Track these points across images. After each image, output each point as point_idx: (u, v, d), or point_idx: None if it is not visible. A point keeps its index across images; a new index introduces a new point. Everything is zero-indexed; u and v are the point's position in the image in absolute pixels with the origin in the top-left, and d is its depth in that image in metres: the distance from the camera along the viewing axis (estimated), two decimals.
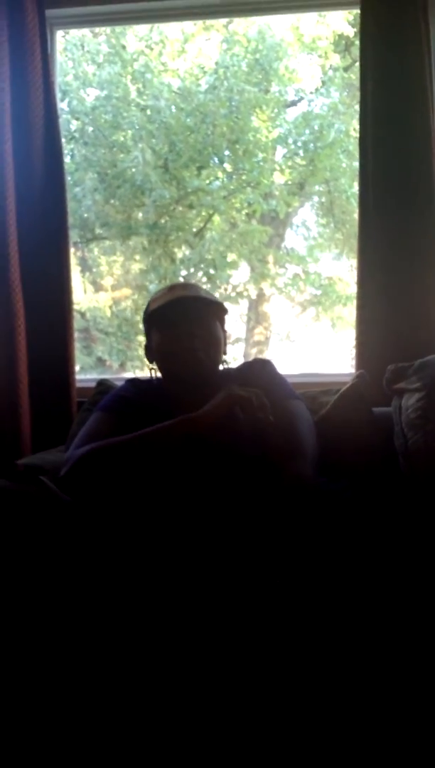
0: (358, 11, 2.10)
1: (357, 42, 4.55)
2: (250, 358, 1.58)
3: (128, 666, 1.05)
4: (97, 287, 5.43)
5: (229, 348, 1.54)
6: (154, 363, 1.53)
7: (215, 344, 1.47)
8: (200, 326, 1.44)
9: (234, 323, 5.05)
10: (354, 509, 1.28)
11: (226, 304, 1.54)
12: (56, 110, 2.17)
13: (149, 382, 1.57)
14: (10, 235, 2.09)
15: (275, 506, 1.25)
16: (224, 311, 1.51)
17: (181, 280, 4.93)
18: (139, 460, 1.28)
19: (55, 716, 1.06)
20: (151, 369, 1.55)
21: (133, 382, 1.56)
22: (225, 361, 1.53)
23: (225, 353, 1.51)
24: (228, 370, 1.54)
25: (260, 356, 1.57)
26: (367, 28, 2.06)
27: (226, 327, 1.55)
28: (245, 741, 1.00)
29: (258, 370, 1.54)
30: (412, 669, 1.03)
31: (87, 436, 1.38)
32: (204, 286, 1.73)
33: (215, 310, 1.48)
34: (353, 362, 2.15)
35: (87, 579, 1.12)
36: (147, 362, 1.57)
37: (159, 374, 1.54)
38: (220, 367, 1.52)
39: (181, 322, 1.43)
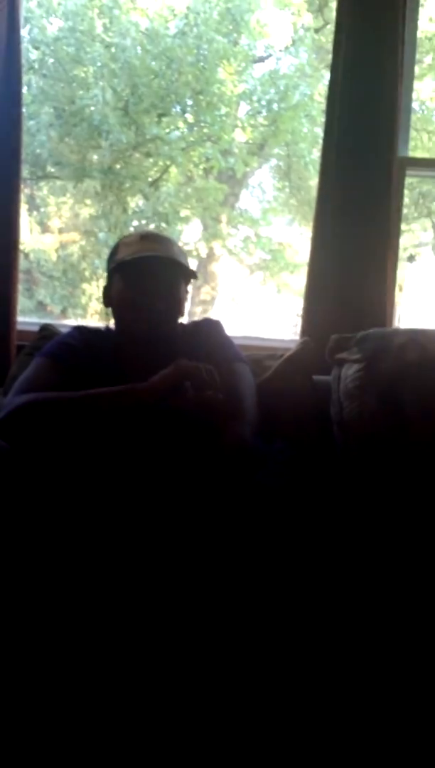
0: None
1: (331, 4, 4.51)
2: (196, 317, 1.57)
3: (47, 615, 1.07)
4: (44, 228, 5.26)
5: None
6: (110, 308, 1.51)
7: (176, 305, 1.46)
8: (165, 286, 1.42)
9: None
10: (287, 471, 1.31)
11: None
12: (19, 38, 2.05)
13: (96, 331, 1.55)
14: None
15: (213, 466, 1.27)
16: (192, 276, 1.49)
17: (132, 229, 4.83)
18: (79, 421, 1.26)
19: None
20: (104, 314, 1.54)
21: (80, 330, 1.53)
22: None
23: (182, 314, 1.51)
24: (178, 327, 1.53)
25: (205, 315, 1.56)
26: None
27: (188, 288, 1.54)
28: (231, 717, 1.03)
29: (206, 329, 1.55)
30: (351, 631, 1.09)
31: (28, 382, 1.35)
32: None
33: (183, 272, 1.47)
34: (297, 329, 2.17)
35: (22, 525, 1.12)
36: (102, 305, 1.55)
37: (110, 322, 1.53)
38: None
39: (148, 278, 1.41)
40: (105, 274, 1.53)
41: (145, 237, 1.47)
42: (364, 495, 1.52)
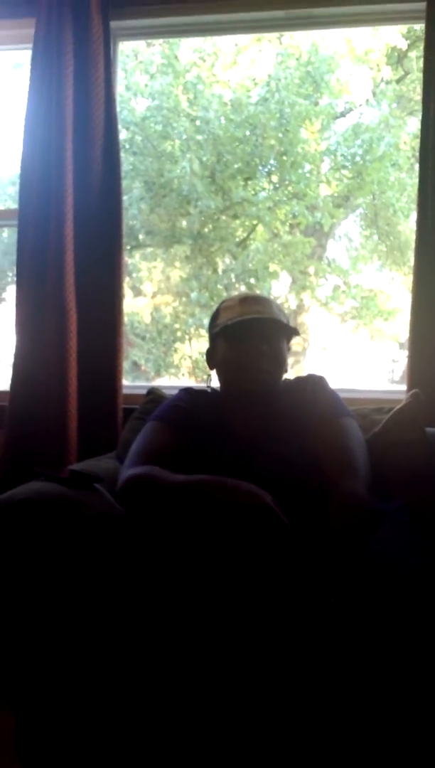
0: (422, 24, 2.07)
1: (410, 54, 4.55)
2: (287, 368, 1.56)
3: (159, 663, 1.06)
4: (136, 292, 5.49)
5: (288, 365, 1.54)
6: (215, 371, 1.54)
7: (280, 364, 1.48)
8: (269, 345, 1.45)
9: None
10: (408, 537, 1.25)
11: None
12: (116, 121, 2.19)
13: (202, 392, 1.58)
14: (67, 244, 2.12)
15: (327, 527, 1.24)
16: (294, 333, 1.50)
17: (221, 287, 4.94)
18: (181, 504, 1.26)
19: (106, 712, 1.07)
20: (207, 377, 1.57)
21: (188, 392, 1.57)
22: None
23: (286, 371, 1.52)
24: (283, 384, 1.53)
25: (296, 366, 1.56)
26: (433, 40, 2.02)
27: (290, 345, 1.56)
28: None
29: (311, 386, 1.54)
30: None
31: (144, 446, 1.39)
32: None
33: (284, 330, 1.48)
34: (393, 375, 2.12)
35: (137, 590, 1.13)
36: (207, 368, 1.59)
37: (212, 383, 1.56)
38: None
39: (252, 339, 1.43)
40: (198, 333, 1.58)
41: (245, 300, 1.50)
42: None
